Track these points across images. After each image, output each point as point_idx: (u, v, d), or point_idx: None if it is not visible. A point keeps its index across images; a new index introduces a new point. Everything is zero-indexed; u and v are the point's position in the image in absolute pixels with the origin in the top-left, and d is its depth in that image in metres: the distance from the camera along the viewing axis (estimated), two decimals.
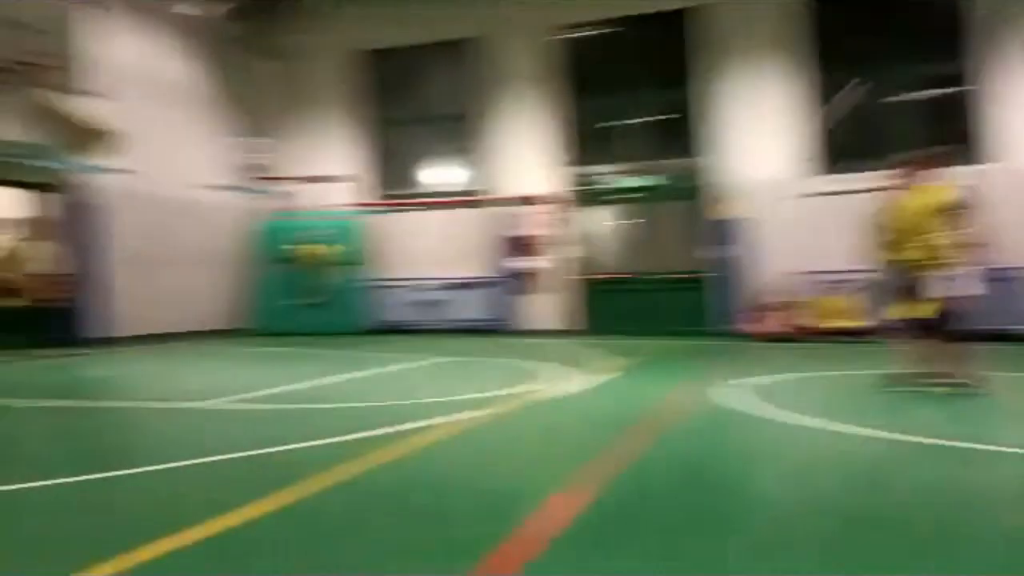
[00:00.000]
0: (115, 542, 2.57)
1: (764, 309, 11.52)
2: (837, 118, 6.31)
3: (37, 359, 9.08)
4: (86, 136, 10.94)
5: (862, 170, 11.50)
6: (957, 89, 11.72)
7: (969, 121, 11.42)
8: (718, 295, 12.27)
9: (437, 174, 14.56)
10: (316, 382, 6.99)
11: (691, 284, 12.53)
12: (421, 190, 14.54)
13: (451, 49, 14.29)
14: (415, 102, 14.60)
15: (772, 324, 11.39)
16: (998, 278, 10.73)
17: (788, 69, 12.16)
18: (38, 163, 10.65)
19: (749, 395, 5.77)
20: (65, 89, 10.23)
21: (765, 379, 6.85)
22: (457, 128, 14.45)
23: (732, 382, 6.44)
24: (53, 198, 11.22)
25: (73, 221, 11.25)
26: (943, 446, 3.98)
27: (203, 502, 3.10)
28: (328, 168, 14.88)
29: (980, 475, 3.53)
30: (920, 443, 4.06)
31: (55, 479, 3.46)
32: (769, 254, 12.03)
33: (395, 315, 14.21)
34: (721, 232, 12.28)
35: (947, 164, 5.74)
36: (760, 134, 12.22)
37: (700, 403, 5.54)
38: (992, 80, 11.27)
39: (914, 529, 2.69)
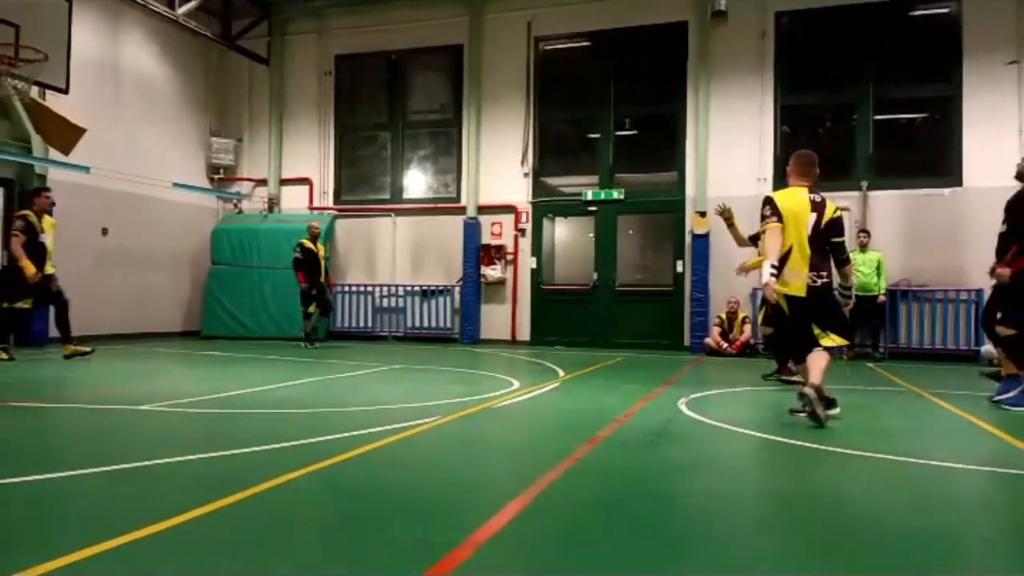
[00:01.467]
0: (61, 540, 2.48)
1: (724, 324, 11.61)
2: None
3: None
4: (56, 130, 10.67)
5: (820, 189, 11.77)
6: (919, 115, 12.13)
7: (941, 142, 11.65)
8: (681, 309, 12.38)
9: (408, 180, 14.48)
10: (269, 387, 6.87)
11: (655, 297, 12.64)
12: (390, 196, 14.43)
13: (431, 55, 14.26)
14: (391, 107, 14.53)
15: (724, 338, 11.49)
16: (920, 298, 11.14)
17: (757, 90, 12.24)
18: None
19: (692, 407, 5.81)
20: (36, 82, 9.99)
21: (713, 392, 6.92)
22: (432, 135, 14.41)
23: (683, 396, 6.48)
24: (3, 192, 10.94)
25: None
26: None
27: (134, 507, 3.01)
28: (297, 171, 14.76)
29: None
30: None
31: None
32: (730, 269, 12.13)
33: (354, 321, 14.09)
34: (687, 246, 12.41)
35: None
36: (733, 151, 12.30)
37: (646, 413, 5.57)
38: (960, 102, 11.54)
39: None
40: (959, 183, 11.28)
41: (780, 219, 5.19)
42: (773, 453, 4.38)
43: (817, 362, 5.09)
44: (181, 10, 12.91)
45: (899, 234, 11.43)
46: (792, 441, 4.55)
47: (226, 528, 2.71)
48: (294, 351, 10.84)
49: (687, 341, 12.21)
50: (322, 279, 11.78)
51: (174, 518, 2.72)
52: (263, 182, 14.88)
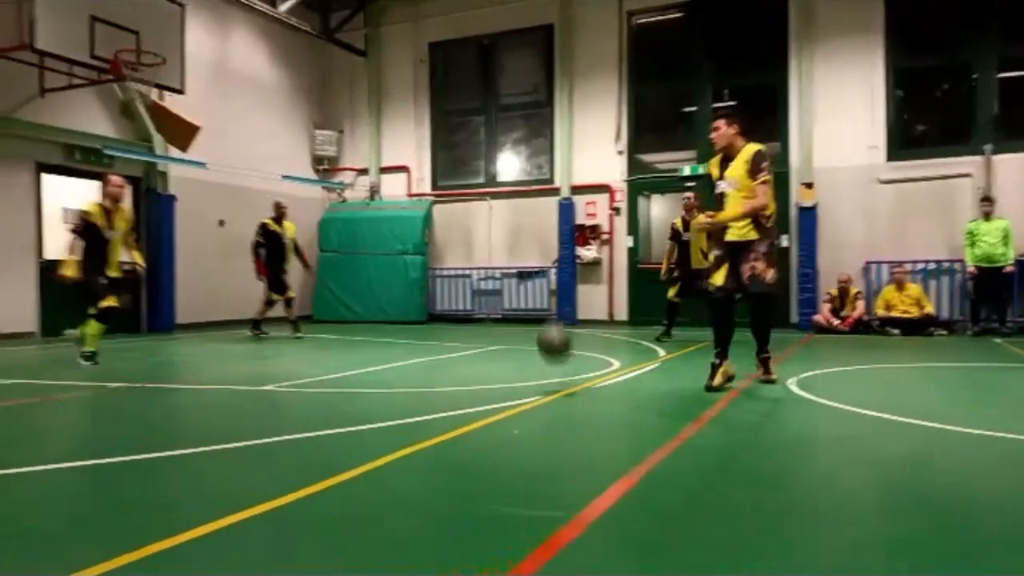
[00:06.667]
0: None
1: (832, 300, 11.13)
2: None
3: (117, 345, 9.55)
4: (175, 129, 11.36)
5: (938, 155, 11.12)
6: None
7: None
8: (787, 285, 11.92)
9: (502, 164, 14.58)
10: (379, 367, 7.13)
11: None
12: (485, 180, 14.58)
13: (521, 37, 14.22)
14: (483, 91, 14.61)
15: (835, 315, 11.00)
16: None
17: (867, 54, 11.61)
18: (124, 155, 11.20)
19: (803, 387, 5.61)
20: (156, 84, 10.64)
21: (825, 371, 6.65)
22: (525, 117, 14.40)
23: (793, 375, 6.27)
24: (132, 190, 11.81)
25: (149, 211, 11.79)
26: None
27: (242, 487, 3.21)
28: (396, 159, 15.12)
29: None
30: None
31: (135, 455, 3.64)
32: (841, 243, 11.63)
33: (451, 304, 14.36)
34: (792, 219, 11.92)
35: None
36: (840, 119, 11.71)
37: (754, 393, 5.42)
38: None
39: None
40: None
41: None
42: (891, 433, 4.17)
43: None
44: (282, 7, 13.43)
45: None
46: (915, 422, 4.32)
47: (337, 506, 2.85)
48: (401, 333, 11.17)
49: (794, 318, 11.78)
50: (286, 264, 10.93)
51: (284, 496, 2.88)
52: (364, 171, 15.34)
